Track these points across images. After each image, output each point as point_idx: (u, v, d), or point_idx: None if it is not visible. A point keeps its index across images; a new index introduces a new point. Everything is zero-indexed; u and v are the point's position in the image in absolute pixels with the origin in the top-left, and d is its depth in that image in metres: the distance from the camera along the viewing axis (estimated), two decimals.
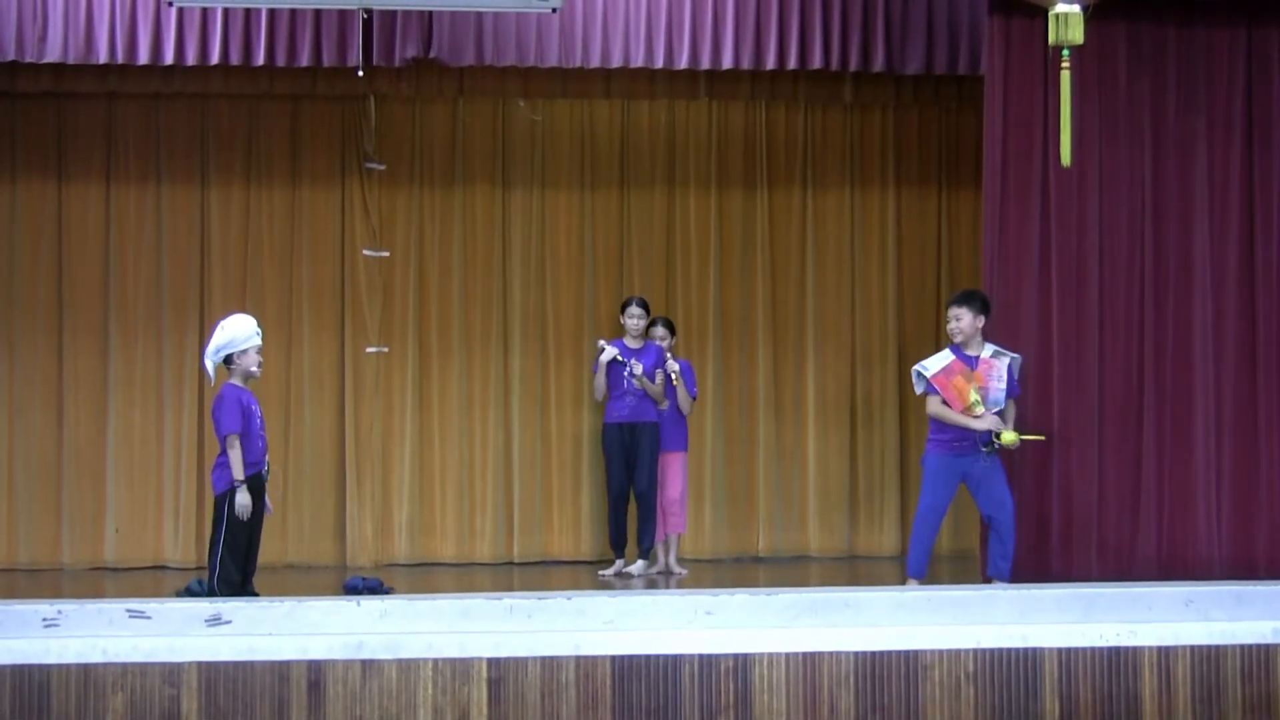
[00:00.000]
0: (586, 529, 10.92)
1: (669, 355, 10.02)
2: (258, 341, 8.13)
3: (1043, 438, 8.70)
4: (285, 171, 10.87)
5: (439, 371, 10.93)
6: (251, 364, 8.10)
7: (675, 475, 10.11)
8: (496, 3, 9.03)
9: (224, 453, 8.01)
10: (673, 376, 9.92)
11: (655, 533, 10.03)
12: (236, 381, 8.10)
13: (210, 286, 10.72)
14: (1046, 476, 8.84)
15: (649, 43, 9.60)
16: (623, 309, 10.17)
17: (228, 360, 8.09)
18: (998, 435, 8.40)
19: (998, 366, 8.49)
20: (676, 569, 10.06)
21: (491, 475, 10.91)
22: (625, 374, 9.92)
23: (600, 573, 10.02)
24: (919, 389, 8.64)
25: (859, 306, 11.18)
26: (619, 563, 10.01)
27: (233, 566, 7.96)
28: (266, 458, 8.17)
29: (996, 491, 8.46)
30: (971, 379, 8.43)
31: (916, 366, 8.65)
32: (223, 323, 8.19)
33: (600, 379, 10.01)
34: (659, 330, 10.13)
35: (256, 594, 7.96)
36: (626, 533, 10.07)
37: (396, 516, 10.79)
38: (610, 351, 9.94)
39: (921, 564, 8.51)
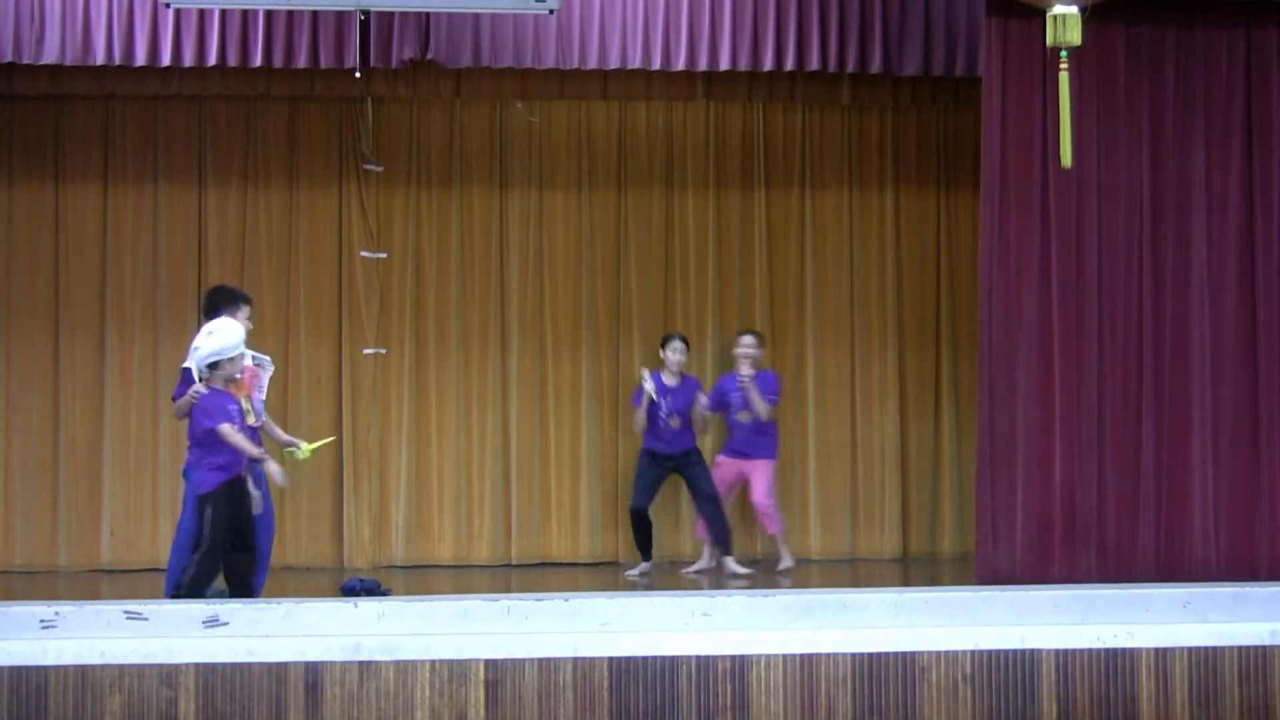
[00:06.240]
0: (585, 531, 10.90)
1: (744, 382, 10.04)
2: (243, 348, 8.05)
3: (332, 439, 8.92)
4: (283, 173, 10.87)
5: (436, 373, 10.92)
6: (237, 369, 8.02)
7: (759, 481, 10.13)
8: (494, 4, 9.03)
9: (199, 456, 7.94)
10: (703, 414, 10.11)
11: (728, 532, 10.05)
12: (218, 386, 8.01)
13: (207, 288, 10.69)
14: (1047, 478, 8.83)
15: (646, 44, 9.59)
16: (664, 344, 10.19)
17: (213, 365, 8.00)
18: (291, 453, 8.48)
19: (260, 376, 8.46)
20: (786, 563, 10.16)
21: (489, 477, 10.90)
22: (662, 415, 9.92)
23: (626, 573, 10.02)
24: None
25: (858, 308, 11.17)
26: (645, 564, 10.00)
27: (204, 570, 7.89)
28: (244, 459, 8.08)
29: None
30: (240, 387, 8.31)
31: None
32: (210, 328, 8.07)
33: (641, 415, 10.03)
34: (747, 339, 10.18)
35: (222, 592, 7.90)
36: (651, 538, 10.09)
37: (394, 518, 10.79)
38: (648, 388, 9.91)
39: None
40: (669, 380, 10.05)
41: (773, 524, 10.23)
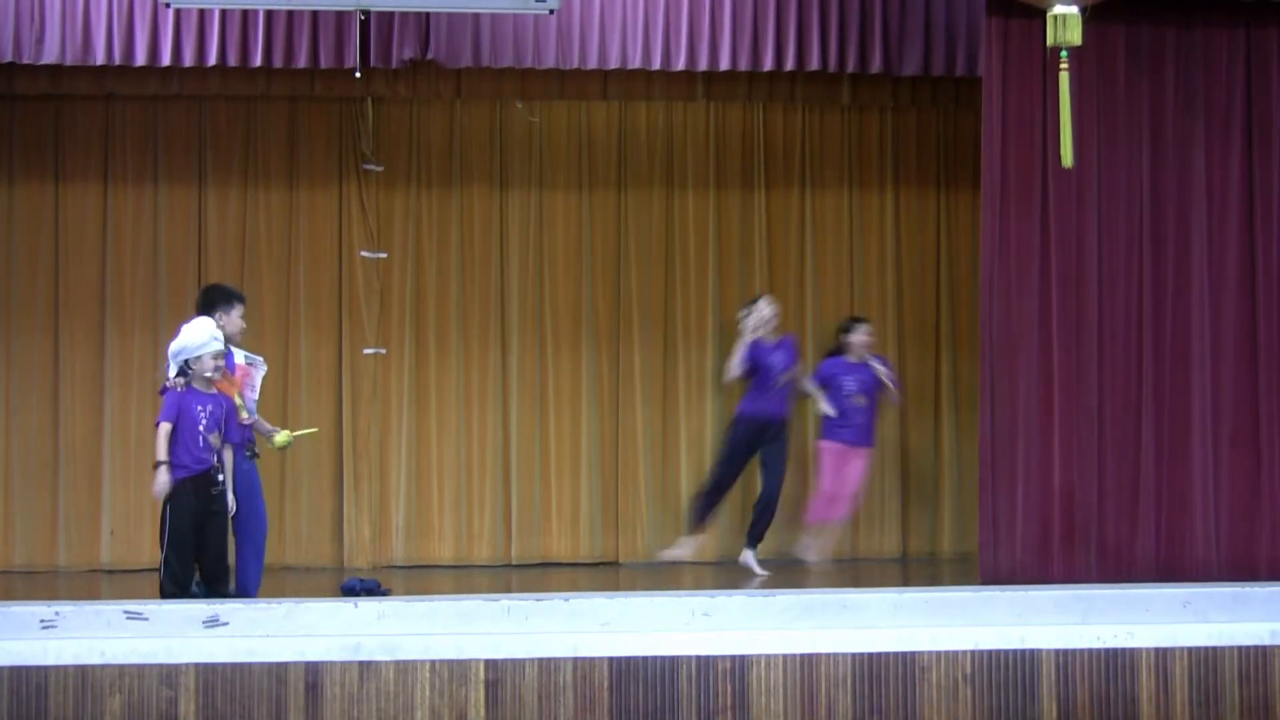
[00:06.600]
0: (585, 531, 10.90)
1: (879, 367, 10.10)
2: (216, 346, 7.99)
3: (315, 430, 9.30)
4: (283, 173, 10.87)
5: (436, 373, 10.92)
6: (207, 369, 7.96)
7: (857, 470, 10.15)
8: (494, 4, 9.04)
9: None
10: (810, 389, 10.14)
11: (767, 528, 10.01)
12: (197, 385, 7.97)
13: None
14: (1047, 478, 8.83)
15: (646, 44, 9.59)
16: (748, 312, 10.06)
17: (187, 364, 7.97)
18: (270, 439, 8.55)
19: (252, 375, 8.50)
20: (813, 556, 10.15)
21: (489, 477, 10.90)
22: (775, 376, 9.82)
23: (664, 552, 10.03)
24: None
25: (858, 308, 11.15)
26: (689, 542, 9.95)
27: (178, 566, 7.86)
28: (215, 460, 7.97)
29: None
30: (233, 384, 8.29)
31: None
32: (183, 330, 8.00)
33: (738, 361, 9.85)
34: (865, 325, 10.23)
35: (195, 594, 7.86)
36: (708, 518, 10.04)
37: (394, 518, 10.79)
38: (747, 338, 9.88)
39: None
40: (769, 342, 9.95)
41: (842, 511, 10.23)
